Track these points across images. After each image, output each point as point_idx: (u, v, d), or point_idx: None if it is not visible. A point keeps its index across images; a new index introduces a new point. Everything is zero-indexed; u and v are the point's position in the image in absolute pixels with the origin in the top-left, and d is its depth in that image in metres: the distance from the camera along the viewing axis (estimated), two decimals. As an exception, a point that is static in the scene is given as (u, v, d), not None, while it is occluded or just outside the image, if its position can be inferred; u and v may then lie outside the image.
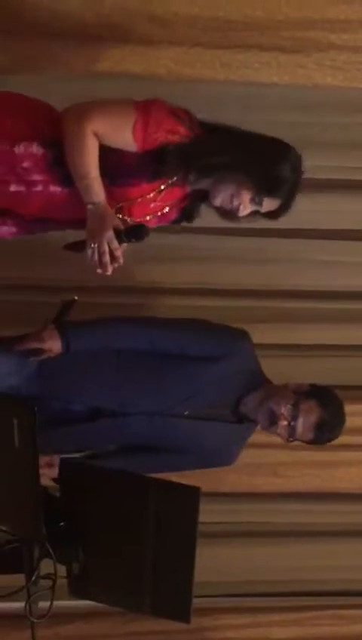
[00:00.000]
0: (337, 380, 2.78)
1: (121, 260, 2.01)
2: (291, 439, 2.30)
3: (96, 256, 1.99)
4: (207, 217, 2.61)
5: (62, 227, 2.17)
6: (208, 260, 2.80)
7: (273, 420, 2.27)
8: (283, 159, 2.07)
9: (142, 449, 2.32)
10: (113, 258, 1.99)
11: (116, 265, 2.01)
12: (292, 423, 2.26)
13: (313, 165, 2.64)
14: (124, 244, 2.02)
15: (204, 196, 2.14)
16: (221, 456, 2.40)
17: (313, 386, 2.34)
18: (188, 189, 2.12)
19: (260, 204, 2.07)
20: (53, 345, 2.23)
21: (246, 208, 2.07)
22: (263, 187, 2.05)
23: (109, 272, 2.01)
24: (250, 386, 2.32)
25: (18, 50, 2.50)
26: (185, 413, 2.28)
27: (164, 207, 2.12)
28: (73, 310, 2.30)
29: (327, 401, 2.31)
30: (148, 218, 2.11)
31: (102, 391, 2.26)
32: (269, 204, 2.09)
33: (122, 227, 2.01)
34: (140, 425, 2.27)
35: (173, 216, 2.18)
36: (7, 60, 2.50)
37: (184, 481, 2.02)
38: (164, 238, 2.70)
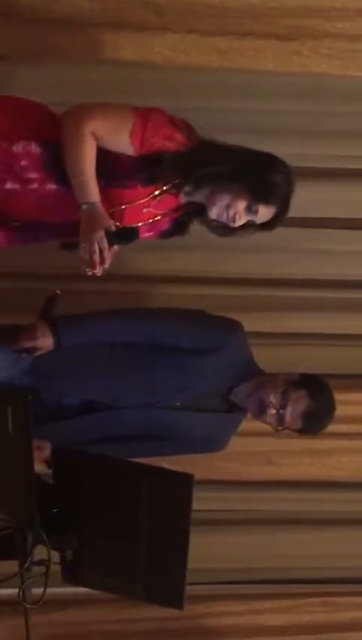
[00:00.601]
0: (332, 368, 2.78)
1: (108, 262, 2.02)
2: (280, 428, 2.32)
3: (86, 256, 2.01)
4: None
5: (55, 234, 2.18)
6: (204, 249, 2.79)
7: (262, 409, 2.29)
8: (277, 169, 2.11)
9: (133, 437, 2.32)
10: (101, 258, 2.01)
11: (105, 266, 2.03)
12: (280, 412, 2.27)
13: (308, 154, 2.65)
14: (115, 247, 2.04)
15: (197, 211, 2.17)
16: (211, 444, 2.42)
17: (303, 376, 2.35)
18: (182, 199, 2.15)
19: (256, 212, 2.10)
20: (45, 342, 2.24)
21: (241, 218, 2.10)
22: (258, 194, 2.08)
23: (99, 272, 2.03)
24: (242, 376, 2.34)
25: (13, 37, 2.50)
26: (178, 404, 2.30)
27: (156, 216, 2.15)
28: (57, 304, 2.30)
29: (317, 391, 2.33)
30: (139, 225, 2.13)
31: (95, 385, 2.27)
32: (264, 213, 2.12)
33: (113, 228, 2.03)
34: (133, 417, 2.28)
35: (165, 226, 2.21)
36: (2, 44, 2.49)
37: (178, 469, 2.02)
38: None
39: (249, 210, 2.09)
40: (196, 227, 2.75)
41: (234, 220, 2.10)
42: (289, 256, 2.84)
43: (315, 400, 2.30)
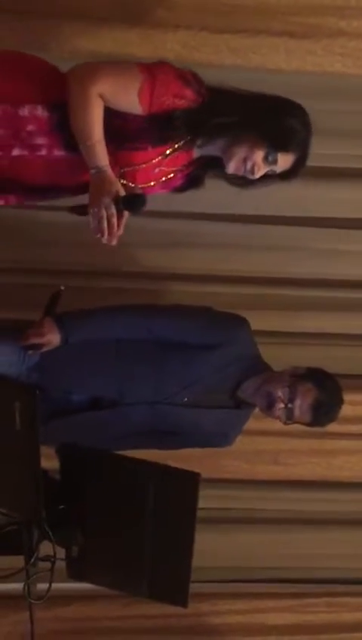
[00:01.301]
0: (338, 368, 2.76)
1: (118, 228, 1.96)
2: (289, 421, 2.30)
3: (95, 222, 1.96)
4: (211, 203, 2.61)
5: (65, 194, 2.13)
6: (212, 247, 2.79)
7: (270, 403, 2.28)
8: (292, 114, 2.05)
9: (141, 433, 2.32)
10: (110, 225, 1.95)
11: (118, 233, 1.97)
12: (289, 406, 2.27)
13: (320, 153, 2.64)
14: (125, 213, 1.99)
15: (210, 164, 2.11)
16: (219, 439, 2.42)
17: (310, 369, 2.34)
18: (195, 154, 2.10)
19: (274, 162, 2.04)
20: (52, 338, 2.24)
21: (260, 169, 2.03)
22: (276, 142, 2.01)
23: (113, 241, 1.97)
24: (249, 372, 2.33)
25: (25, 31, 2.49)
26: (185, 400, 2.30)
27: (168, 174, 2.09)
28: (61, 300, 2.29)
29: (324, 382, 2.32)
30: (152, 184, 2.08)
31: (102, 380, 2.27)
32: (284, 161, 2.05)
33: (123, 193, 1.97)
34: (141, 414, 2.28)
35: (178, 182, 2.15)
36: (15, 39, 2.48)
37: (183, 467, 2.02)
38: (168, 224, 2.69)
39: (267, 160, 2.02)
40: (204, 225, 2.77)
41: (253, 172, 2.03)
42: (297, 255, 2.83)
43: (323, 392, 2.29)
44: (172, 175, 2.10)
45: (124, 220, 1.98)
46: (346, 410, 2.92)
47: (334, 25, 2.55)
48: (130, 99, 1.95)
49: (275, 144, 2.01)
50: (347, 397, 2.92)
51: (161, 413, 2.28)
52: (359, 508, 3.05)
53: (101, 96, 1.94)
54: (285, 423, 2.32)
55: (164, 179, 2.10)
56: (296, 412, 2.28)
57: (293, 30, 2.55)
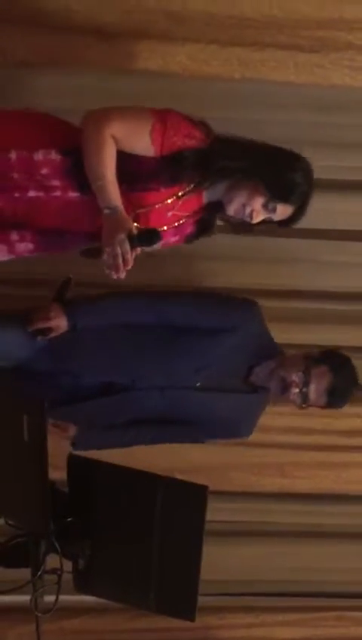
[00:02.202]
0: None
1: (130, 264, 2.01)
2: (304, 405, 2.28)
3: (110, 260, 2.00)
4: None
5: (79, 241, 2.16)
6: (222, 259, 2.79)
7: (285, 388, 2.26)
8: (296, 167, 2.09)
9: (156, 421, 2.31)
10: (124, 262, 2.00)
11: (127, 268, 2.01)
12: (304, 390, 2.24)
13: (329, 165, 2.65)
14: (137, 249, 2.03)
15: (218, 209, 2.15)
16: (236, 427, 2.38)
17: (324, 352, 2.32)
18: (204, 199, 2.14)
19: (274, 210, 2.10)
20: (60, 323, 2.23)
21: (258, 215, 2.10)
22: (277, 192, 2.07)
23: (122, 276, 2.02)
24: (262, 355, 2.31)
25: (36, 44, 2.51)
26: (197, 385, 2.27)
27: (180, 218, 2.14)
28: (70, 288, 2.29)
29: (338, 365, 2.29)
30: (165, 228, 2.12)
31: (112, 366, 2.26)
32: (282, 211, 2.11)
33: (135, 231, 2.02)
34: (153, 399, 2.26)
35: (189, 229, 2.20)
36: (26, 53, 2.51)
37: (191, 479, 2.02)
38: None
39: (266, 207, 2.08)
40: (214, 238, 2.77)
41: (251, 217, 2.09)
42: (308, 268, 2.83)
43: (338, 375, 2.27)
44: (183, 221, 2.14)
45: (133, 256, 2.01)
46: (355, 422, 2.93)
47: (342, 38, 2.57)
48: (143, 139, 2.01)
49: (276, 194, 2.07)
50: (355, 410, 2.92)
51: (174, 398, 2.26)
52: (369, 521, 3.04)
53: (114, 138, 2.00)
54: (300, 407, 2.29)
55: (176, 224, 2.14)
56: (312, 396, 2.25)
57: (302, 44, 2.56)
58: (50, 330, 2.23)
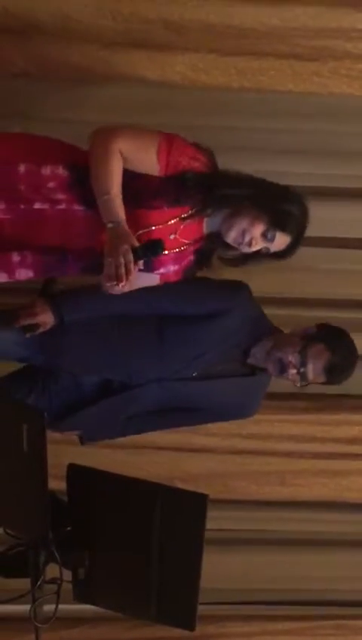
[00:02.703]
0: (348, 389, 2.76)
1: (133, 276, 2.01)
2: (304, 383, 2.25)
3: (112, 270, 2.00)
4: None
5: (79, 263, 2.17)
6: (218, 267, 2.79)
7: (283, 369, 2.23)
8: (295, 201, 2.14)
9: (158, 412, 2.30)
10: (127, 272, 2.00)
11: (127, 282, 2.01)
12: (301, 370, 2.21)
13: (328, 173, 2.65)
14: (140, 262, 2.03)
15: (217, 241, 2.18)
16: (239, 409, 2.36)
17: (320, 328, 2.28)
18: (205, 229, 2.17)
19: (272, 239, 2.12)
20: (46, 317, 2.19)
21: (257, 243, 2.12)
22: (277, 221, 2.10)
23: (125, 287, 2.02)
24: (256, 335, 2.28)
25: (34, 53, 2.52)
26: (194, 374, 2.26)
27: (181, 245, 2.16)
28: (57, 284, 2.24)
29: (336, 342, 2.25)
30: (165, 252, 2.12)
31: (107, 363, 2.24)
32: (280, 241, 2.14)
33: (137, 244, 2.03)
34: (152, 393, 2.24)
35: (189, 258, 2.22)
36: (25, 63, 2.52)
37: (191, 487, 2.02)
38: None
39: (266, 236, 2.12)
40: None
41: (250, 245, 2.12)
42: (309, 276, 2.83)
43: (336, 352, 2.23)
44: (184, 248, 2.16)
45: (135, 270, 2.01)
46: (354, 431, 2.93)
47: (340, 47, 2.58)
48: (149, 157, 2.05)
49: (276, 223, 2.10)
50: (355, 417, 2.93)
51: (172, 389, 2.24)
52: (369, 529, 3.03)
53: (121, 154, 2.03)
54: (301, 387, 2.26)
55: (177, 250, 2.16)
56: (310, 375, 2.22)
57: (300, 53, 2.58)
58: (37, 326, 2.19)
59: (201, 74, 2.56)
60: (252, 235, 2.11)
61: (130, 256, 1.99)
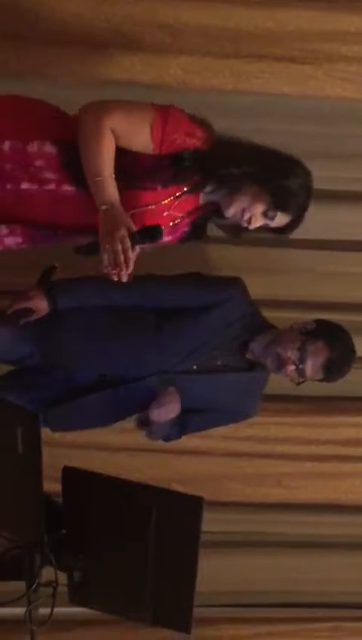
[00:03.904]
0: (344, 391, 2.77)
1: (132, 264, 1.95)
2: (301, 380, 2.25)
3: (111, 257, 1.93)
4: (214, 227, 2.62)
5: (70, 236, 2.13)
6: (216, 270, 2.79)
7: (281, 365, 2.23)
8: (298, 175, 2.08)
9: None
10: (126, 258, 1.93)
11: (128, 270, 1.95)
12: (300, 366, 2.21)
13: (323, 176, 2.65)
14: (137, 248, 1.96)
15: (213, 211, 2.13)
16: (241, 407, 2.34)
17: (319, 324, 2.28)
18: (201, 200, 2.11)
19: (272, 219, 2.08)
20: (40, 303, 2.17)
21: (257, 221, 2.07)
22: (278, 201, 2.05)
23: (124, 277, 1.96)
24: (252, 328, 2.28)
25: (29, 57, 2.52)
26: (194, 367, 2.25)
27: (176, 218, 2.10)
28: (54, 276, 2.22)
29: (335, 339, 2.25)
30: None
31: (103, 357, 2.23)
32: (280, 219, 2.09)
33: (135, 228, 1.96)
34: (153, 388, 2.22)
35: (184, 228, 2.16)
36: (18, 65, 2.51)
37: (187, 490, 2.02)
38: (170, 248, 2.70)
39: (266, 215, 2.06)
40: (207, 248, 2.78)
41: (249, 223, 2.07)
42: (301, 278, 2.84)
43: (334, 349, 2.23)
44: (179, 220, 2.10)
45: (135, 255, 1.95)
46: (350, 433, 2.93)
47: (335, 50, 2.58)
48: (142, 135, 1.96)
49: (277, 203, 2.05)
50: (351, 419, 2.93)
51: (173, 384, 2.21)
52: (365, 531, 3.03)
53: (113, 132, 1.94)
54: (298, 383, 2.26)
55: (171, 224, 2.09)
56: (308, 372, 2.22)
57: (295, 55, 2.58)
58: (30, 311, 2.16)
59: (196, 77, 2.56)
60: (252, 213, 2.05)
61: (128, 242, 1.92)
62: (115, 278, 1.96)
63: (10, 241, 2.09)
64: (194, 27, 2.53)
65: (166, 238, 2.14)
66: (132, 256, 1.93)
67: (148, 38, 2.53)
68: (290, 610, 3.02)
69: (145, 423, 2.18)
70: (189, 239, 2.21)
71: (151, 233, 1.97)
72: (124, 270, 1.94)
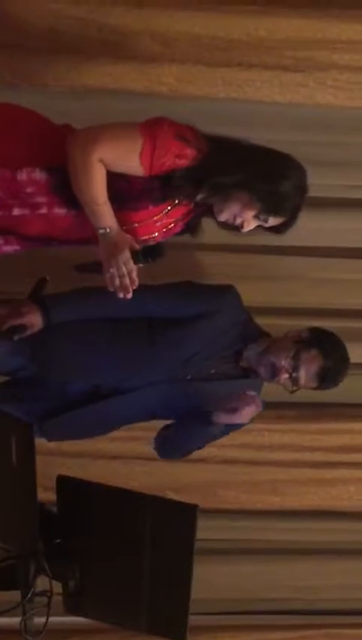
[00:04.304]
0: (337, 397, 2.77)
1: (137, 282, 1.98)
2: (295, 388, 2.25)
3: (117, 281, 1.96)
4: (208, 234, 2.63)
5: (66, 245, 2.14)
6: (210, 278, 2.80)
7: (274, 373, 2.23)
8: (290, 176, 2.07)
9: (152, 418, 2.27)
10: (131, 280, 1.97)
11: (134, 287, 1.98)
12: (294, 375, 2.21)
13: (313, 184, 2.66)
14: (139, 264, 1.99)
15: (207, 210, 2.13)
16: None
17: (313, 332, 2.28)
18: (192, 205, 2.12)
19: (265, 221, 2.08)
20: (34, 318, 2.17)
21: (249, 225, 2.08)
22: (268, 206, 2.05)
23: (129, 295, 1.99)
24: (246, 336, 2.28)
25: (21, 65, 2.52)
26: (188, 377, 2.25)
27: (168, 225, 2.11)
28: (45, 289, 2.23)
29: (329, 348, 2.25)
30: (155, 235, 2.10)
31: (98, 367, 2.22)
32: (273, 222, 2.10)
33: (137, 247, 1.99)
34: (148, 398, 2.23)
35: (177, 229, 2.17)
36: (10, 74, 2.52)
37: (181, 497, 2.01)
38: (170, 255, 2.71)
39: (258, 218, 2.07)
40: (201, 255, 2.78)
41: (242, 227, 2.08)
42: (294, 285, 2.84)
43: (328, 358, 2.23)
44: (172, 225, 2.12)
45: (136, 273, 1.98)
46: (344, 439, 2.93)
47: (326, 58, 2.60)
48: (131, 162, 1.96)
49: (267, 208, 2.05)
50: (345, 426, 2.93)
51: (168, 394, 2.23)
52: (358, 538, 3.03)
53: (102, 161, 1.95)
54: (291, 392, 2.26)
55: (164, 230, 2.11)
56: (302, 380, 2.23)
57: (286, 64, 2.59)
58: (24, 327, 2.17)
59: (188, 85, 2.57)
60: (243, 219, 2.06)
61: (132, 265, 1.95)
62: (121, 297, 1.99)
63: (8, 249, 2.10)
64: (186, 36, 2.54)
65: (160, 239, 2.14)
66: (135, 276, 1.97)
67: (141, 47, 2.54)
68: (286, 617, 3.02)
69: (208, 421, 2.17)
70: (182, 234, 2.20)
71: (154, 253, 2.00)
72: (130, 290, 1.97)
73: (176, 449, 2.35)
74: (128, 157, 1.96)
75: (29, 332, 2.18)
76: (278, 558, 2.99)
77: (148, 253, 1.99)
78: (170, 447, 2.33)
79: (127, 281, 1.96)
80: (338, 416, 2.91)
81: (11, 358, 2.25)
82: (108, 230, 1.96)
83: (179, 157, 1.98)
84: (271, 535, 2.98)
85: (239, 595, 2.99)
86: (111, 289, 1.99)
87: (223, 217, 2.07)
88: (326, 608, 3.05)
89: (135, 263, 1.96)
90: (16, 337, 2.15)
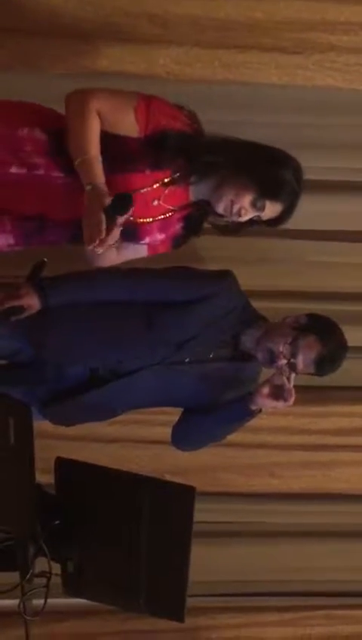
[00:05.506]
0: (336, 381, 2.77)
1: (104, 235, 1.97)
2: (293, 374, 2.22)
3: (87, 232, 1.97)
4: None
5: (59, 233, 2.15)
6: (208, 261, 2.80)
7: (272, 359, 2.22)
8: (287, 165, 2.08)
9: (152, 402, 2.28)
10: (98, 232, 1.96)
11: (108, 241, 1.98)
12: (291, 361, 2.21)
13: (312, 166, 2.66)
14: (120, 220, 1.98)
15: (207, 210, 2.15)
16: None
17: (311, 318, 2.27)
18: (191, 197, 2.13)
19: (262, 208, 2.08)
20: (31, 300, 2.18)
21: (247, 212, 2.08)
22: (266, 189, 2.05)
23: (99, 250, 1.98)
24: (244, 320, 2.28)
25: (18, 48, 2.51)
26: (186, 360, 2.24)
27: (166, 212, 2.11)
28: (43, 271, 2.22)
29: (327, 333, 2.25)
30: (150, 220, 2.10)
31: (94, 352, 2.22)
32: (271, 209, 2.10)
33: (108, 203, 1.98)
34: (146, 380, 2.22)
35: (176, 226, 2.18)
36: (7, 57, 2.51)
37: (180, 480, 2.02)
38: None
39: (254, 205, 2.07)
40: (200, 239, 2.78)
41: (239, 215, 2.07)
42: (293, 269, 2.84)
43: (326, 344, 2.23)
44: (169, 215, 2.12)
45: (116, 230, 1.97)
46: (342, 422, 2.94)
47: (324, 40, 2.58)
48: (127, 117, 2.00)
49: (264, 191, 2.05)
50: (343, 409, 2.94)
51: (166, 376, 2.22)
52: (356, 520, 3.05)
53: (99, 114, 1.99)
54: (288, 377, 2.22)
55: (161, 217, 2.11)
56: (299, 366, 2.22)
57: (284, 45, 2.58)
58: (22, 308, 2.17)
59: (185, 67, 2.56)
60: (240, 205, 2.06)
61: (101, 216, 1.95)
62: (94, 254, 2.01)
63: (2, 242, 2.12)
64: (183, 18, 2.53)
65: (159, 237, 2.17)
66: (103, 229, 1.95)
67: (138, 29, 2.53)
68: (285, 599, 3.04)
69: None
70: (184, 240, 2.23)
71: (122, 203, 1.98)
72: (98, 242, 1.96)
73: (203, 434, 2.32)
74: (124, 111, 2.00)
75: (26, 314, 2.18)
76: (277, 541, 3.01)
77: (117, 206, 1.97)
78: (198, 432, 2.31)
79: (95, 231, 1.95)
80: (337, 399, 2.92)
81: (9, 341, 2.25)
82: (94, 186, 1.97)
83: (175, 119, 2.01)
84: (269, 517, 2.99)
85: (238, 577, 3.01)
86: (86, 242, 1.99)
87: (221, 206, 2.07)
88: (325, 590, 3.07)
89: (106, 216, 1.95)
90: (13, 319, 2.16)
